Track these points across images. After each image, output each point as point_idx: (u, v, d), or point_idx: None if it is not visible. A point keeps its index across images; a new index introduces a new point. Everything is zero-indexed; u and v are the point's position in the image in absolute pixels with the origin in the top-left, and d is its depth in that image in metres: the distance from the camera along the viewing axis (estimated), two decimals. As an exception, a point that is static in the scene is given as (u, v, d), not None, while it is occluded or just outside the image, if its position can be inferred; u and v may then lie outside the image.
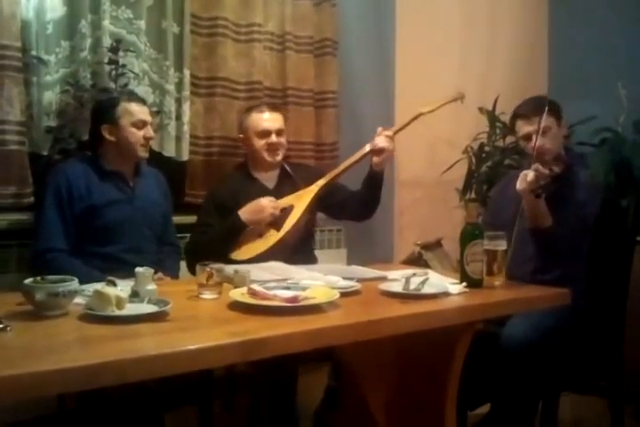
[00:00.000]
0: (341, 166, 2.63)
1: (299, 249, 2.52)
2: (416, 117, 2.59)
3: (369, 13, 3.60)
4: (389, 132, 2.49)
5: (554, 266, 2.22)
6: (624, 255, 2.32)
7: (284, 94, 3.26)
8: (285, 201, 2.53)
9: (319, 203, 2.61)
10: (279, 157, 2.62)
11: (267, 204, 2.46)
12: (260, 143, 2.58)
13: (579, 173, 2.30)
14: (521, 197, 2.20)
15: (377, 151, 2.47)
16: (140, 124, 2.34)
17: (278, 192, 2.58)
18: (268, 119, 2.61)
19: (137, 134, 2.33)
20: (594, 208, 2.23)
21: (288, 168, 2.68)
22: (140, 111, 2.35)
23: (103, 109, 2.37)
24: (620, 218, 2.36)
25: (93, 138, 2.40)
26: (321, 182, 2.57)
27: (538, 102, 2.34)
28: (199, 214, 2.61)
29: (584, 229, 2.22)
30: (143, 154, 2.38)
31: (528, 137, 2.30)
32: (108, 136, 2.34)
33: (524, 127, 2.33)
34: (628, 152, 3.09)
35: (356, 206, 2.62)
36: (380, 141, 2.46)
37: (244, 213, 2.46)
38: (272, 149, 2.59)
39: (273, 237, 2.46)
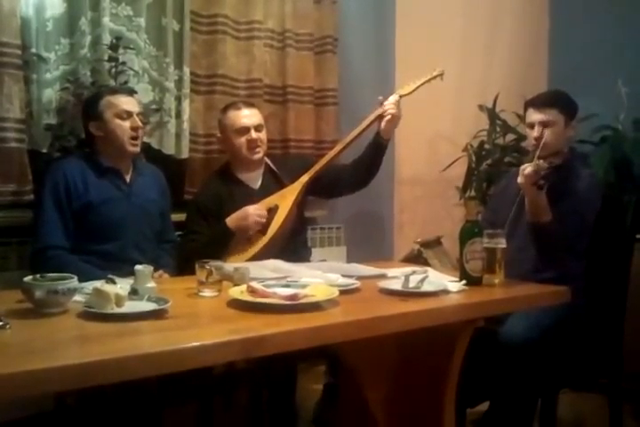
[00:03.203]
0: (332, 153, 2.60)
1: (290, 246, 2.51)
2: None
3: (369, 11, 3.60)
4: (397, 97, 2.48)
5: (553, 264, 2.22)
6: (624, 253, 2.32)
7: (283, 92, 3.26)
8: (270, 201, 2.50)
9: (309, 190, 2.58)
10: (260, 155, 2.58)
11: (252, 212, 2.42)
12: (239, 141, 2.54)
13: (580, 172, 2.31)
14: (522, 196, 2.20)
15: (386, 118, 2.45)
16: (125, 115, 2.31)
17: (264, 191, 2.55)
18: (245, 116, 2.57)
19: (122, 126, 2.30)
20: (594, 207, 2.24)
21: (272, 165, 2.65)
22: (123, 102, 2.32)
23: (87, 106, 2.36)
24: (620, 215, 2.36)
25: (87, 136, 2.40)
26: (304, 179, 2.53)
27: (554, 95, 2.36)
28: (186, 223, 2.58)
29: (583, 227, 2.22)
30: (132, 149, 2.33)
31: (532, 125, 2.32)
32: (96, 132, 2.33)
33: (531, 115, 2.34)
34: (628, 150, 3.10)
35: (352, 178, 2.60)
36: (390, 108, 2.46)
37: (231, 220, 2.44)
38: (252, 145, 2.55)
39: (261, 241, 2.44)
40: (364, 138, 2.57)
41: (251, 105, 2.67)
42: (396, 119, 2.48)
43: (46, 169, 2.34)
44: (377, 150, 2.53)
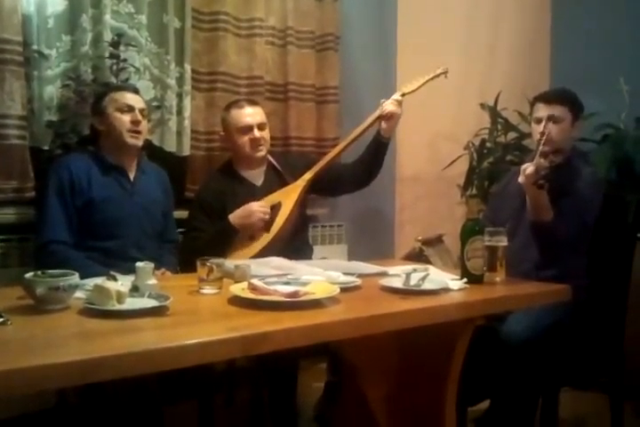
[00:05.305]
0: (334, 150, 2.61)
1: (292, 243, 2.51)
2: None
3: (371, 8, 3.60)
4: (398, 97, 2.50)
5: (554, 262, 2.22)
6: (625, 251, 2.32)
7: (285, 89, 3.26)
8: (273, 198, 2.50)
9: (311, 189, 2.58)
10: (263, 153, 2.58)
11: (256, 209, 2.43)
12: (242, 139, 2.54)
13: (582, 171, 2.30)
14: (523, 194, 2.20)
15: (386, 117, 2.47)
16: (125, 108, 2.31)
17: (266, 189, 2.55)
18: (248, 114, 2.56)
19: (122, 119, 2.30)
20: (595, 206, 2.23)
21: (274, 162, 2.65)
22: (126, 97, 2.33)
23: (93, 103, 2.39)
24: (622, 214, 2.36)
25: (93, 133, 2.41)
26: (307, 176, 2.54)
27: (564, 92, 2.36)
28: (189, 219, 2.58)
29: (584, 225, 2.22)
30: (131, 140, 2.32)
31: (539, 120, 2.32)
32: (99, 126, 2.35)
33: (540, 110, 2.33)
34: (629, 148, 3.10)
35: (353, 177, 2.62)
36: (389, 106, 2.46)
37: (235, 217, 2.44)
38: (255, 144, 2.54)
39: (264, 238, 2.44)
40: (366, 137, 2.57)
41: (254, 103, 2.66)
42: (396, 117, 2.49)
43: (51, 165, 2.34)
44: (378, 150, 2.54)
